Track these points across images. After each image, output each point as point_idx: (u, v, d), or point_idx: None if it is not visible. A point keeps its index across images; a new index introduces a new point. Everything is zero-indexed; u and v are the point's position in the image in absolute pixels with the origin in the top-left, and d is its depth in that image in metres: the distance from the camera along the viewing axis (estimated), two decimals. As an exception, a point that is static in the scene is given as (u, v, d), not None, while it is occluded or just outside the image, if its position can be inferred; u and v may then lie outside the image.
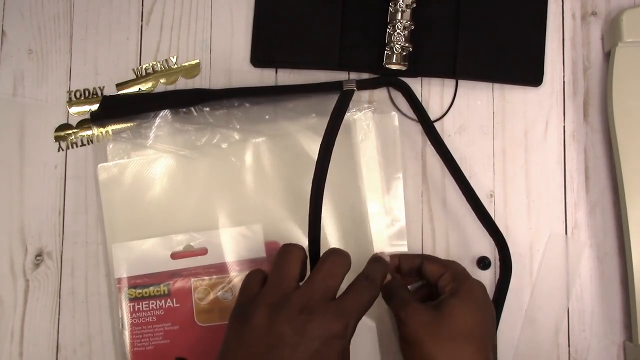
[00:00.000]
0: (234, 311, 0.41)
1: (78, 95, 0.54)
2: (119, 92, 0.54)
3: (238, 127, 0.52)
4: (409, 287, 0.50)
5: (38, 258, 0.53)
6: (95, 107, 0.54)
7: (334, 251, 0.42)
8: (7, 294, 0.52)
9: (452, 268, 0.47)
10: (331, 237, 0.50)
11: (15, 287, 0.52)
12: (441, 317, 0.43)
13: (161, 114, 0.52)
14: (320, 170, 0.46)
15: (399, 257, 0.49)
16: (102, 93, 0.54)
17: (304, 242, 0.48)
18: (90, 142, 0.54)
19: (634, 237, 0.49)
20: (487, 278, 0.51)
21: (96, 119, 0.53)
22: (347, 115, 0.50)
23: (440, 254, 0.52)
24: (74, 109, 0.54)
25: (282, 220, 0.50)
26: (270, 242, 0.50)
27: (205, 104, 0.52)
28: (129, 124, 0.52)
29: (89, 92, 0.54)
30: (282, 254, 0.42)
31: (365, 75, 0.54)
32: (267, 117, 0.52)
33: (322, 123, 0.48)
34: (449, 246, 0.52)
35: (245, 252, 0.50)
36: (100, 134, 0.53)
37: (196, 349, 0.49)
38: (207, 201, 0.51)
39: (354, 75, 0.54)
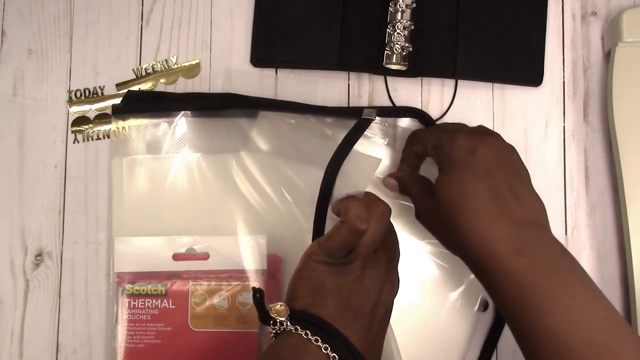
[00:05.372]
0: None
1: (78, 94, 0.54)
2: (119, 92, 0.54)
3: (257, 136, 0.51)
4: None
5: (38, 258, 0.53)
6: (95, 106, 0.54)
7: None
8: (7, 294, 0.52)
9: (428, 142, 0.44)
10: None
11: (15, 287, 0.52)
12: (435, 202, 0.41)
13: (182, 114, 0.52)
14: (324, 191, 0.45)
15: (400, 165, 0.48)
16: (102, 93, 0.54)
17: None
18: (106, 137, 0.54)
19: (634, 237, 0.49)
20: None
21: (117, 112, 0.53)
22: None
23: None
24: (74, 109, 0.54)
25: (287, 235, 0.50)
26: (272, 255, 0.50)
27: (229, 110, 0.52)
28: (148, 121, 0.52)
29: (89, 92, 0.54)
30: (382, 212, 0.41)
31: (365, 75, 0.54)
32: (286, 128, 0.51)
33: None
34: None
35: (246, 262, 0.50)
36: (117, 128, 0.53)
37: (186, 353, 0.49)
38: (216, 206, 0.51)
39: (353, 75, 0.54)
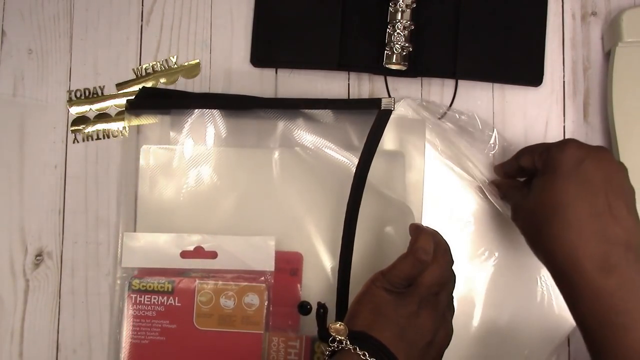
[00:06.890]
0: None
1: (78, 94, 0.54)
2: (119, 92, 0.54)
3: (271, 135, 0.51)
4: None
5: (38, 258, 0.53)
6: (95, 106, 0.54)
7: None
8: (7, 294, 0.52)
9: (536, 150, 0.44)
10: (359, 265, 0.49)
11: (15, 287, 0.52)
12: (531, 203, 0.42)
13: (197, 112, 0.51)
14: (355, 194, 0.45)
15: (501, 166, 0.50)
16: (102, 93, 0.54)
17: (325, 259, 0.50)
18: (106, 137, 0.54)
19: (634, 237, 0.49)
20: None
21: (132, 107, 0.52)
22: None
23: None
24: (74, 109, 0.54)
25: (303, 235, 0.50)
26: (294, 252, 0.50)
27: (245, 111, 0.52)
28: (161, 117, 0.52)
29: (89, 92, 0.54)
30: (446, 254, 0.42)
31: (365, 75, 0.54)
32: (300, 127, 0.51)
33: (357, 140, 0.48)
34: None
35: (254, 263, 0.50)
36: (125, 128, 0.53)
37: (190, 351, 0.49)
38: (228, 205, 0.51)
39: (353, 75, 0.54)
